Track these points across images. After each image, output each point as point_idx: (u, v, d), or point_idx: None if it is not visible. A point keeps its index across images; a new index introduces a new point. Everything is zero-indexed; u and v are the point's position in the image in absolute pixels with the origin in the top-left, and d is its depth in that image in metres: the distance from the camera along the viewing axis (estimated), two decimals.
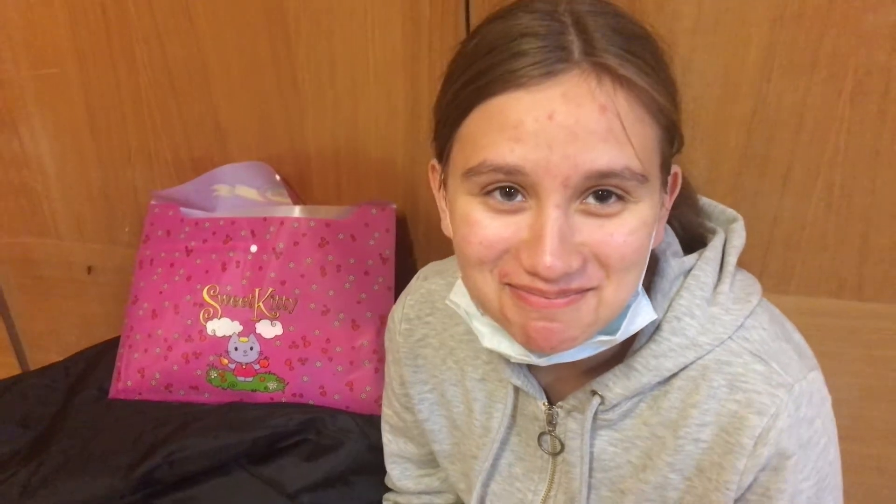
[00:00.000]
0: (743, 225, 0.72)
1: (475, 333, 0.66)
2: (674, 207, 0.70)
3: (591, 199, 0.54)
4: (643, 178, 0.54)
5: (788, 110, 0.89)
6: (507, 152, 0.52)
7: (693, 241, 0.71)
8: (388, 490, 0.97)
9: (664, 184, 0.59)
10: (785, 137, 0.91)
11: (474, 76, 0.55)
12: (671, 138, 0.58)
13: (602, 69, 0.52)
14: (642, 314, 0.62)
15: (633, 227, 0.55)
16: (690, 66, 0.89)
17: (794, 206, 0.95)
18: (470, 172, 0.55)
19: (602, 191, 0.54)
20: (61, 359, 1.19)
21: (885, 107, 0.86)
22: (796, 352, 0.66)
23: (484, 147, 0.54)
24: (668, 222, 0.70)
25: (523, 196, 0.54)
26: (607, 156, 0.52)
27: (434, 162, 0.66)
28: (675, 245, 0.68)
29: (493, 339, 0.64)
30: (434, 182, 0.66)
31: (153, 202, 1.11)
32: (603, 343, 0.61)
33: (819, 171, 0.92)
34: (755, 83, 0.88)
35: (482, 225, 0.56)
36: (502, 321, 0.60)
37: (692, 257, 0.67)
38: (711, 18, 0.86)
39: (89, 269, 1.27)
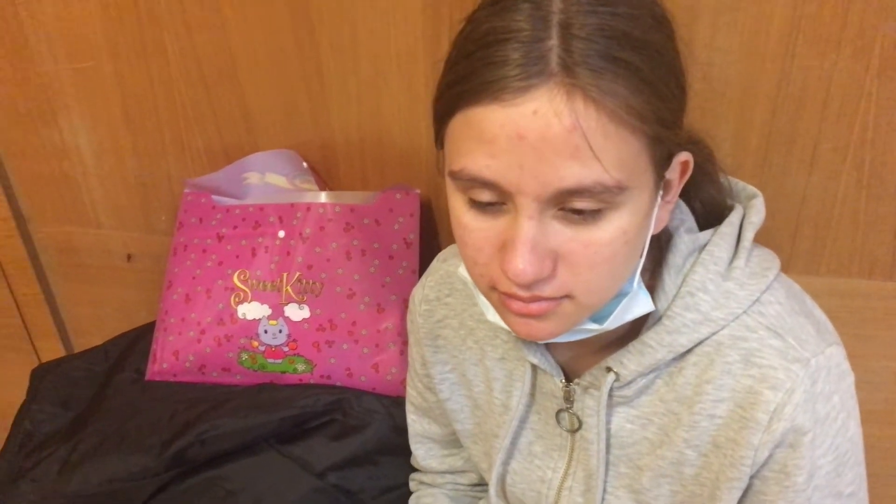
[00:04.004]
0: (762, 201, 0.71)
1: None
2: (695, 186, 0.70)
3: (566, 211, 0.54)
4: (619, 189, 0.53)
5: (814, 86, 0.87)
6: (484, 167, 0.53)
7: (713, 220, 0.70)
8: (415, 470, 0.98)
9: (660, 179, 0.58)
10: (811, 114, 0.89)
11: (456, 79, 0.54)
12: (664, 136, 0.55)
13: (574, 87, 0.50)
14: (638, 306, 0.63)
15: (607, 237, 0.55)
16: (713, 43, 0.88)
17: (822, 184, 0.93)
18: (452, 175, 0.56)
19: (576, 208, 0.54)
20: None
21: None
22: (814, 327, 0.65)
23: (464, 154, 0.54)
24: (688, 202, 0.70)
25: (502, 202, 0.55)
26: (576, 174, 0.51)
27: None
28: (690, 222, 0.68)
29: (495, 314, 0.65)
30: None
31: (186, 190, 1.13)
32: (590, 331, 0.63)
33: (848, 148, 0.90)
34: (779, 59, 0.87)
35: (471, 228, 0.58)
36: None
37: (707, 233, 0.67)
38: None
39: (129, 257, 1.30)
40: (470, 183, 0.55)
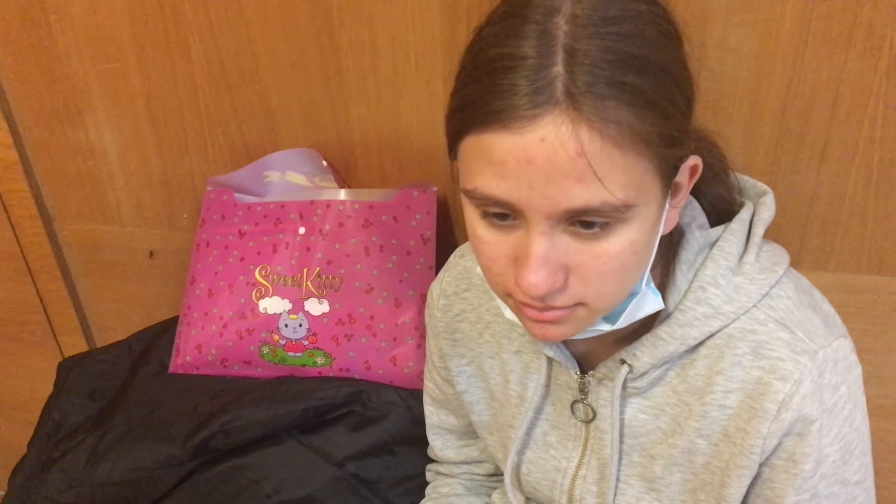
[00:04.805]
0: (772, 198, 0.73)
1: None
2: (705, 185, 0.72)
3: (576, 225, 0.56)
4: (626, 208, 0.55)
5: (824, 85, 0.89)
6: (494, 186, 0.55)
7: (724, 216, 0.72)
8: (431, 461, 1.00)
9: (668, 188, 0.60)
10: (821, 113, 0.91)
11: (466, 103, 0.56)
12: (670, 155, 0.57)
13: (578, 117, 0.52)
14: (648, 305, 0.65)
15: (616, 250, 0.57)
16: (724, 44, 0.90)
17: (831, 182, 0.94)
18: (466, 193, 0.59)
19: (585, 220, 0.56)
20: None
21: None
22: (822, 320, 0.67)
23: (475, 174, 0.57)
24: (698, 199, 0.72)
25: (514, 217, 0.58)
26: (583, 196, 0.53)
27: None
28: (701, 218, 0.70)
29: (512, 313, 0.68)
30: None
31: (209, 188, 1.16)
32: (602, 331, 0.65)
33: (857, 146, 0.92)
34: (789, 59, 0.89)
35: (486, 241, 0.60)
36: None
37: (718, 229, 0.69)
38: None
39: (151, 254, 1.33)
40: (483, 200, 0.57)
